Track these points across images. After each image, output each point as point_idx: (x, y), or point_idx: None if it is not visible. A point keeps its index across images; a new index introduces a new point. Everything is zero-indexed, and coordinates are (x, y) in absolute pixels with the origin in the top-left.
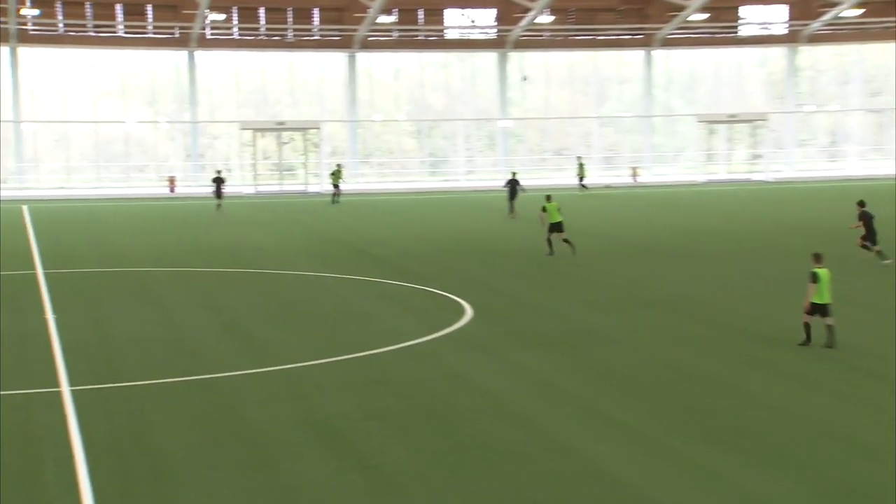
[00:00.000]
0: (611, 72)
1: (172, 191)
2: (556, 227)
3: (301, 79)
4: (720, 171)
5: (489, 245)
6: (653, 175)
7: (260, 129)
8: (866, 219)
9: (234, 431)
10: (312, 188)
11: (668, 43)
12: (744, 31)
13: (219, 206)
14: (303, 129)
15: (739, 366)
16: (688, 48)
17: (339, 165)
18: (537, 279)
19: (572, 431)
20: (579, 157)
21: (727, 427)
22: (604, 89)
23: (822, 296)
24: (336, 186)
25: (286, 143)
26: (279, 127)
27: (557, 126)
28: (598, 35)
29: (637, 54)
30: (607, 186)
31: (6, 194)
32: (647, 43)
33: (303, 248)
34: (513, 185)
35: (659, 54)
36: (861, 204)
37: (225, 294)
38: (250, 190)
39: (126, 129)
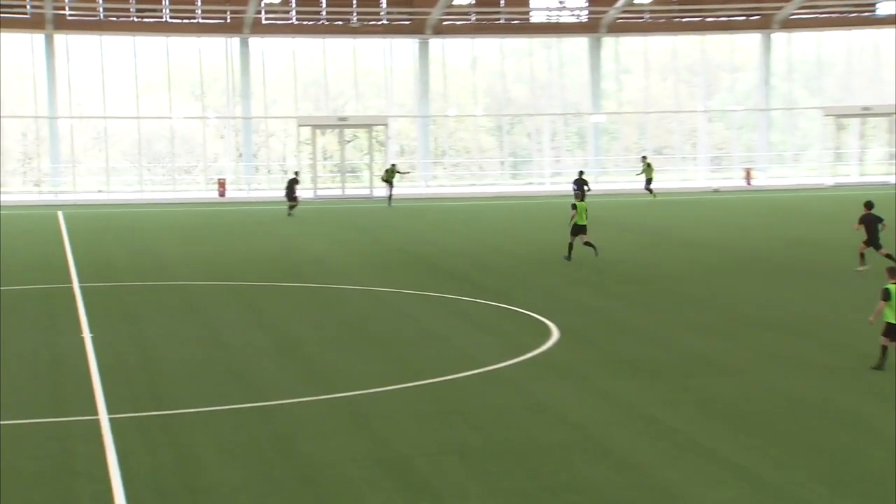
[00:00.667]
0: (722, 59)
1: (222, 195)
2: (580, 230)
3: (366, 69)
4: (851, 173)
5: (577, 257)
6: (770, 177)
7: (320, 126)
8: (868, 222)
9: (290, 467)
10: (378, 192)
11: (790, 24)
12: (882, 10)
13: (290, 211)
14: (368, 125)
15: (868, 398)
16: (813, 30)
17: (393, 165)
18: (633, 297)
19: (677, 474)
20: (644, 157)
21: (855, 470)
22: (713, 79)
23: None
24: (389, 183)
25: (349, 141)
26: (341, 123)
27: (658, 121)
28: (707, 16)
29: (753, 38)
30: (715, 190)
31: (40, 198)
32: (764, 25)
33: (367, 260)
34: (580, 185)
35: (779, 38)
36: (867, 205)
37: (280, 311)
38: (308, 194)
39: (171, 125)
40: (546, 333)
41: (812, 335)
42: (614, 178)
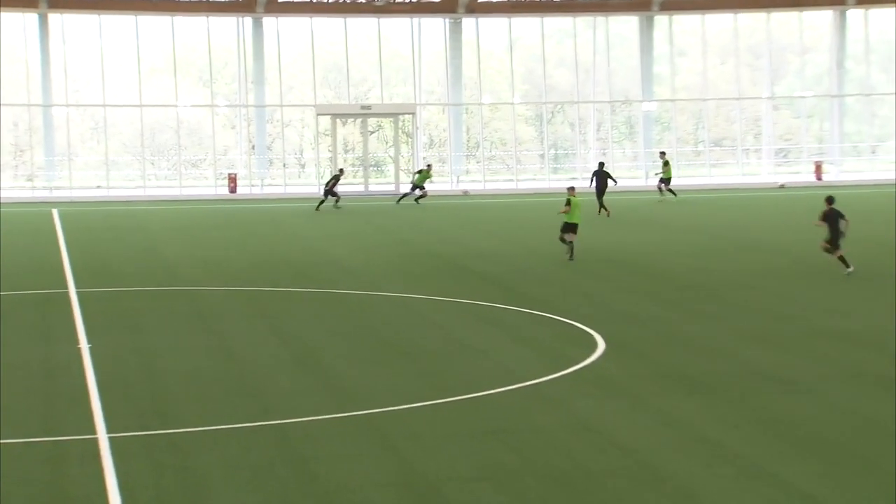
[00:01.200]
0: (789, 39)
1: (233, 191)
2: (571, 228)
3: (392, 52)
4: None
5: (625, 260)
6: (843, 172)
7: (341, 115)
8: (830, 218)
9: (307, 492)
10: (405, 188)
11: (867, 0)
12: None
13: (337, 204)
14: (393, 114)
15: None
16: (894, 5)
17: (429, 166)
18: (688, 305)
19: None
20: (663, 154)
21: None
22: (779, 61)
23: None
24: (420, 187)
25: (373, 131)
26: (364, 112)
27: (717, 109)
28: None
29: (825, 15)
30: (781, 186)
31: (34, 195)
32: (838, 0)
33: (393, 264)
34: (601, 177)
35: (854, 14)
36: (829, 200)
37: (297, 320)
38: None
39: (177, 114)
40: (591, 345)
41: (889, 349)
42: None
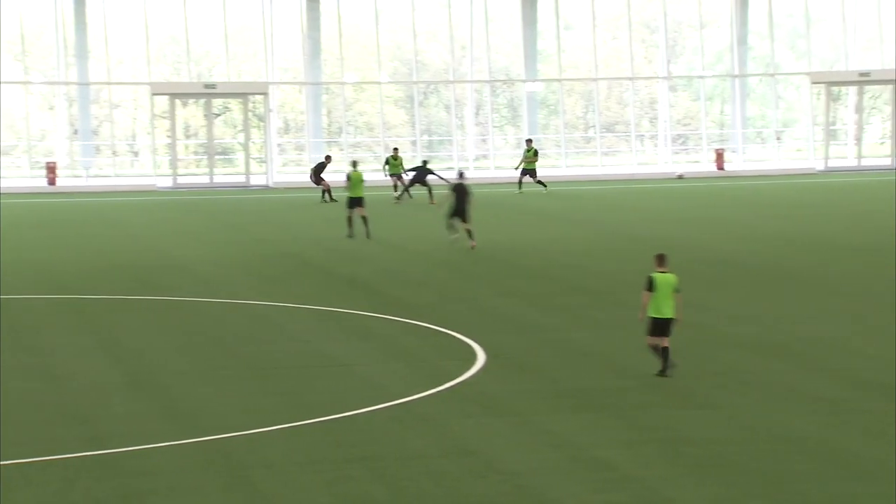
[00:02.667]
0: (687, 12)
1: (52, 182)
2: (357, 203)
3: (240, 24)
4: (847, 155)
5: (508, 259)
6: (746, 161)
7: (180, 95)
8: (458, 193)
9: None
10: (257, 179)
11: None
12: None
13: (326, 197)
14: (243, 94)
15: (869, 437)
16: None
17: (395, 150)
18: (580, 311)
19: None
20: (529, 141)
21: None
22: (677, 37)
23: (660, 308)
24: (398, 176)
25: (218, 114)
26: (208, 91)
27: (609, 91)
28: None
29: None
30: (680, 176)
31: None
32: None
33: (244, 266)
34: (422, 173)
35: None
36: (459, 175)
37: (132, 333)
38: (166, 182)
39: None
40: (470, 357)
41: (797, 357)
42: (554, 162)
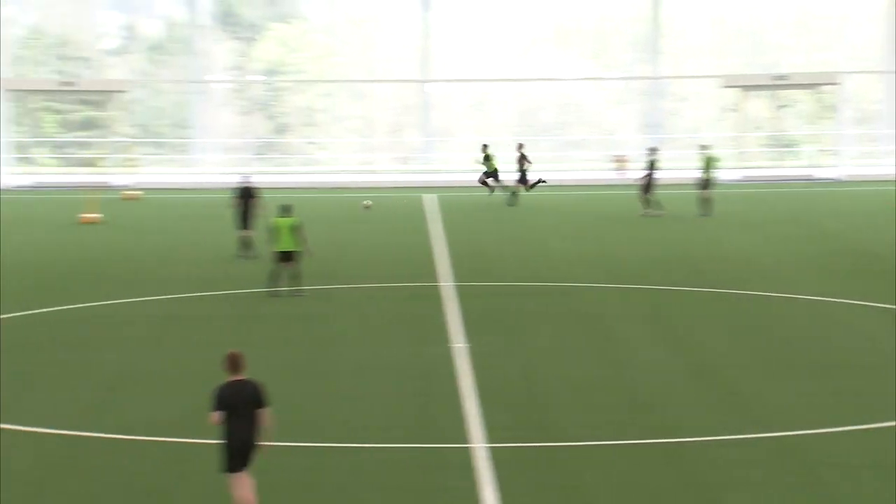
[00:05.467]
0: None
1: (622, 174)
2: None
3: (813, 12)
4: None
5: None
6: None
7: (749, 87)
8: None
9: None
10: (824, 172)
11: None
12: None
13: (513, 198)
14: (813, 84)
15: None
16: None
17: (485, 146)
18: None
19: None
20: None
21: None
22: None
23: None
24: (492, 175)
25: (784, 106)
26: (777, 83)
27: None
28: None
29: None
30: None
31: (408, 178)
32: None
33: (809, 261)
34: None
35: None
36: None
37: (693, 324)
38: (735, 175)
39: (562, 89)
40: None
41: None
42: None
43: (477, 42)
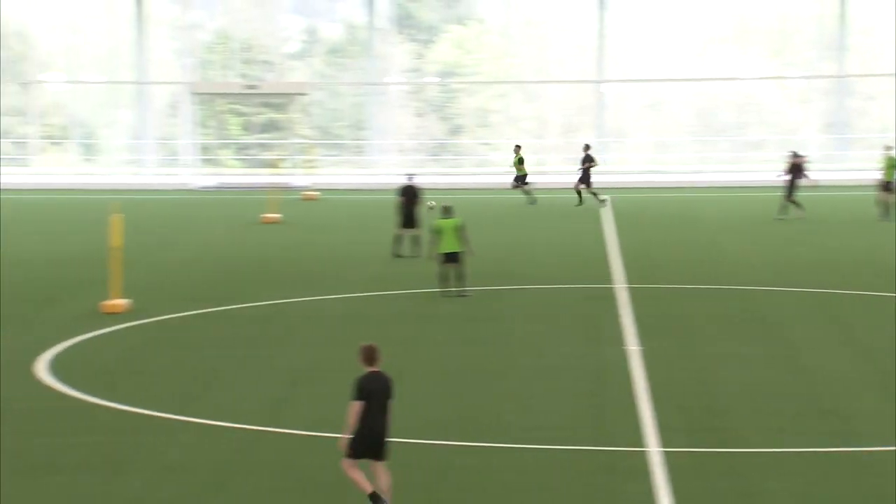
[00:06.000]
0: None
1: (799, 176)
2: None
3: None
4: None
5: None
6: None
7: None
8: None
9: None
10: None
11: None
12: None
13: (582, 200)
14: None
15: None
16: None
17: (518, 147)
18: None
19: None
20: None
21: None
22: None
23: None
24: (520, 178)
25: None
26: None
27: None
28: None
29: None
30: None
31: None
32: None
33: None
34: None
35: None
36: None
37: (879, 329)
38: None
39: (741, 88)
40: None
41: None
42: None
43: (653, 41)
